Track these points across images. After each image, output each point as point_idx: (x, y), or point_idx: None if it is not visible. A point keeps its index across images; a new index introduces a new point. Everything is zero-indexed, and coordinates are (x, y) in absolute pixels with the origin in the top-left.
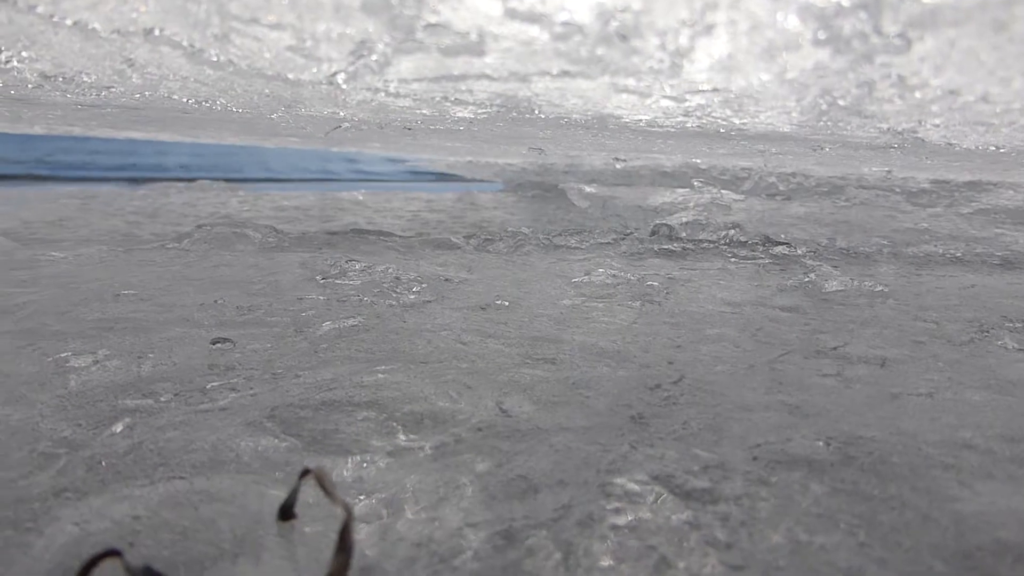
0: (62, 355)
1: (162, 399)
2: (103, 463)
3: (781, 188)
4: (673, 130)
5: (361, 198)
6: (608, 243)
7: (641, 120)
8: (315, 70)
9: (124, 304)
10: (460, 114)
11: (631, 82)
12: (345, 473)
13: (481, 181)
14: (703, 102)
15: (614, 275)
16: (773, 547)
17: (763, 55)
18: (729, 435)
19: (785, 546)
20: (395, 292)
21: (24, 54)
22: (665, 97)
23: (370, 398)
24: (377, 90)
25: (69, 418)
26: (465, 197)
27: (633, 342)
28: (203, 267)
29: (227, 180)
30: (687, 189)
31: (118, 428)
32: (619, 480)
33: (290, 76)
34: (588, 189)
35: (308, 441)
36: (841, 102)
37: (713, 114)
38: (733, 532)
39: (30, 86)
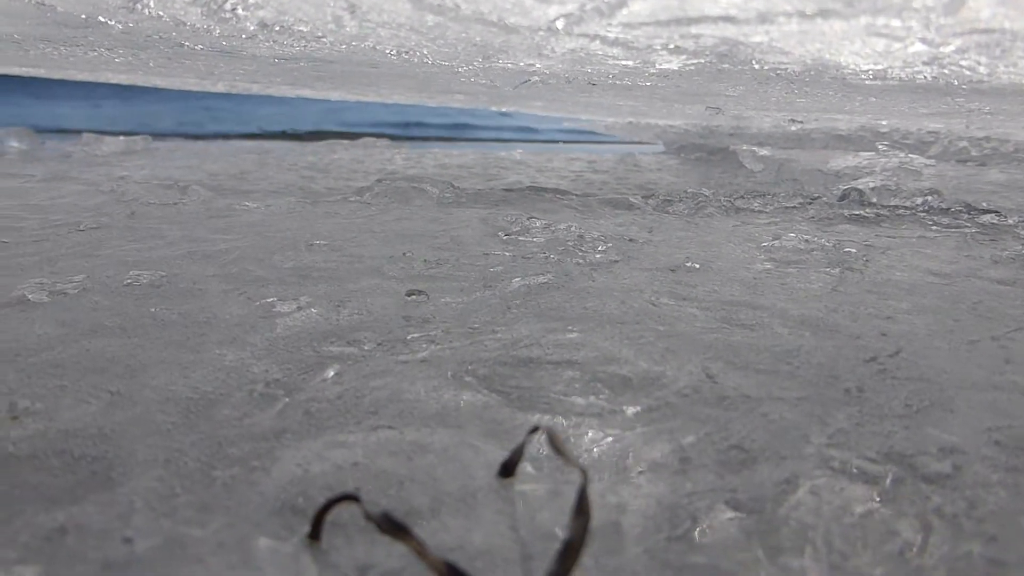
0: (267, 300)
1: (365, 347)
2: (316, 408)
3: (974, 153)
4: (895, 84)
5: (519, 157)
6: (794, 207)
7: (868, 71)
8: (538, 14)
9: (317, 253)
10: (665, 65)
11: (894, 23)
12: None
13: (639, 143)
14: (961, 45)
15: (806, 240)
16: None
17: None
18: (960, 415)
19: None
20: (580, 250)
21: (251, 0)
22: (920, 40)
23: (569, 357)
24: (593, 37)
25: (279, 361)
26: (627, 158)
27: (837, 310)
28: (385, 220)
29: (390, 137)
30: (871, 153)
31: (329, 374)
32: (844, 456)
33: (510, 21)
34: (762, 152)
35: (513, 398)
36: None
37: (960, 63)
38: (989, 523)
39: (244, 36)
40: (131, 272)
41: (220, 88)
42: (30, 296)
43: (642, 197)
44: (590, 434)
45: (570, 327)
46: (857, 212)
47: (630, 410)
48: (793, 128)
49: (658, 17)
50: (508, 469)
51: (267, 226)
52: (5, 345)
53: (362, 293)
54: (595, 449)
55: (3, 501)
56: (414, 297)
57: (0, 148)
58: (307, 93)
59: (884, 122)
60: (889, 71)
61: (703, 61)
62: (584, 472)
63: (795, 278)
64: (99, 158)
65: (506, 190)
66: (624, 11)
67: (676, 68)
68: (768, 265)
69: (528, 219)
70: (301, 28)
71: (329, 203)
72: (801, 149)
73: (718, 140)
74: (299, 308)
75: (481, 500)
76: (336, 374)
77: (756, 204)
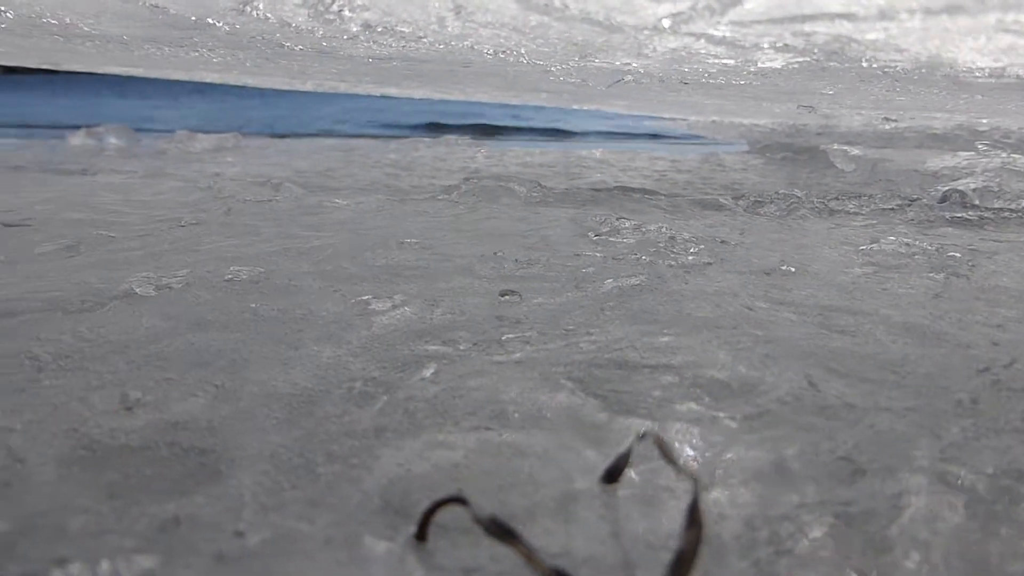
0: (362, 298)
1: (460, 347)
2: (414, 407)
3: None
4: (1010, 82)
5: (600, 156)
6: (892, 209)
7: (985, 69)
8: (648, 12)
9: (408, 251)
10: (768, 64)
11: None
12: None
13: (720, 143)
14: None
15: (906, 244)
16: None
17: None
18: None
19: None
20: (672, 252)
21: (358, 2)
22: None
23: (665, 361)
24: (699, 36)
25: (376, 360)
26: (711, 158)
27: (943, 318)
28: (474, 218)
29: (471, 136)
30: (970, 152)
31: (426, 374)
32: (959, 470)
33: (616, 20)
34: (853, 151)
35: (610, 402)
36: None
37: None
38: None
39: (345, 37)
40: (231, 268)
41: (309, 87)
42: (137, 289)
43: (732, 198)
44: (690, 441)
45: (665, 330)
46: (959, 215)
47: (730, 417)
48: (886, 127)
49: (772, 15)
50: (612, 475)
51: (357, 223)
52: (116, 337)
53: (455, 292)
54: (695, 456)
55: (119, 490)
56: (507, 297)
57: (100, 144)
58: (392, 92)
59: (984, 120)
60: (1008, 69)
61: (808, 59)
62: (696, 480)
63: (896, 283)
64: (193, 155)
65: (594, 190)
66: (737, 9)
67: (779, 67)
68: (867, 269)
69: (617, 219)
70: (403, 29)
71: (417, 201)
72: (893, 148)
73: (805, 139)
74: (394, 306)
75: (583, 505)
76: (433, 373)
77: (851, 206)
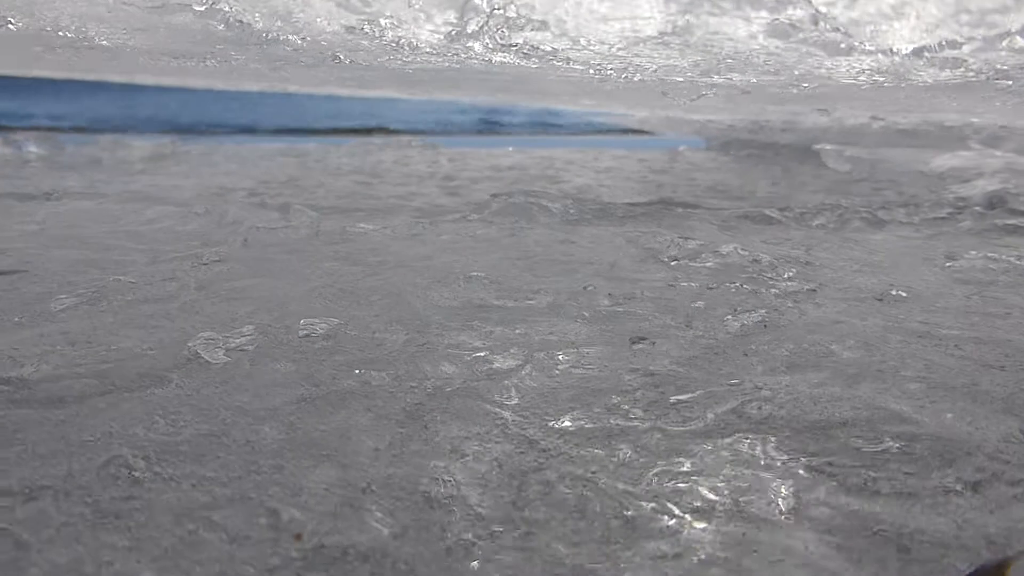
0: (465, 354)
1: (632, 417)
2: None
3: None
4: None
5: (568, 155)
6: (943, 218)
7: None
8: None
9: (479, 288)
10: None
11: None
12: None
13: (676, 140)
14: None
15: (988, 257)
16: None
17: None
18: None
19: None
20: (767, 278)
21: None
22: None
23: (852, 415)
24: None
25: (554, 450)
26: (679, 156)
27: None
28: (525, 244)
29: (410, 133)
30: (964, 151)
31: (628, 462)
32: None
33: None
34: (848, 152)
35: (829, 476)
36: None
37: None
38: None
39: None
40: (300, 321)
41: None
42: (204, 354)
43: (778, 210)
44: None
45: (830, 379)
46: (1011, 222)
47: (951, 484)
48: (875, 126)
49: None
50: None
51: (399, 254)
52: (208, 427)
53: (569, 340)
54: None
55: None
56: (639, 345)
57: (22, 155)
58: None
59: (945, 118)
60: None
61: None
62: None
63: (1003, 304)
64: (134, 165)
65: (631, 204)
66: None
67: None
68: (967, 289)
69: (679, 239)
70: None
71: (449, 223)
72: (862, 146)
73: (767, 136)
74: (515, 364)
75: None
76: (631, 457)
77: (900, 215)
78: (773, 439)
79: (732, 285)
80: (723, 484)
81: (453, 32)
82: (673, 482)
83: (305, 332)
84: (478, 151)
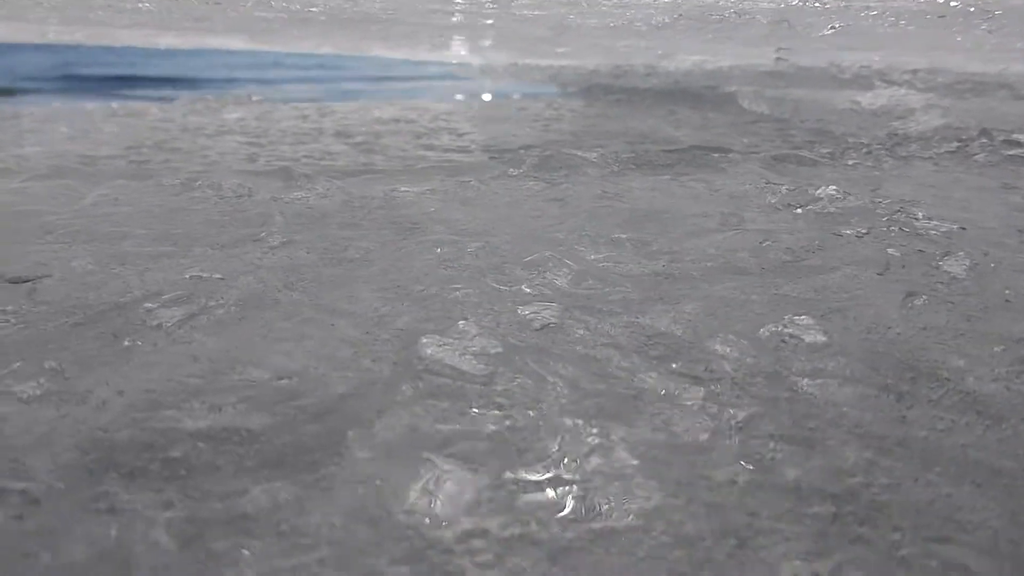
0: (678, 369)
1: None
2: None
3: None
4: None
5: (433, 107)
6: (954, 152)
7: None
8: None
9: (620, 248)
10: None
11: None
12: None
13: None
14: None
15: None
16: None
17: None
18: None
19: None
20: (909, 230)
21: None
22: None
23: None
24: None
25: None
26: (557, 104)
27: None
28: (602, 200)
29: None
30: (874, 91)
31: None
32: None
33: None
34: (767, 92)
35: None
36: None
37: None
38: None
39: None
40: (456, 320)
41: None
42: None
43: (808, 151)
44: None
45: None
46: (1014, 152)
47: None
48: (780, 66)
49: None
50: None
51: (467, 218)
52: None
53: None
54: None
55: None
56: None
57: None
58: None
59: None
60: None
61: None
62: None
63: None
64: None
65: (666, 151)
66: None
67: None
68: None
69: (794, 188)
70: None
71: (491, 180)
72: (750, 85)
73: (631, 80)
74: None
75: None
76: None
77: (914, 148)
78: None
79: (867, 240)
80: None
81: None
82: None
83: (532, 322)
84: (337, 105)
